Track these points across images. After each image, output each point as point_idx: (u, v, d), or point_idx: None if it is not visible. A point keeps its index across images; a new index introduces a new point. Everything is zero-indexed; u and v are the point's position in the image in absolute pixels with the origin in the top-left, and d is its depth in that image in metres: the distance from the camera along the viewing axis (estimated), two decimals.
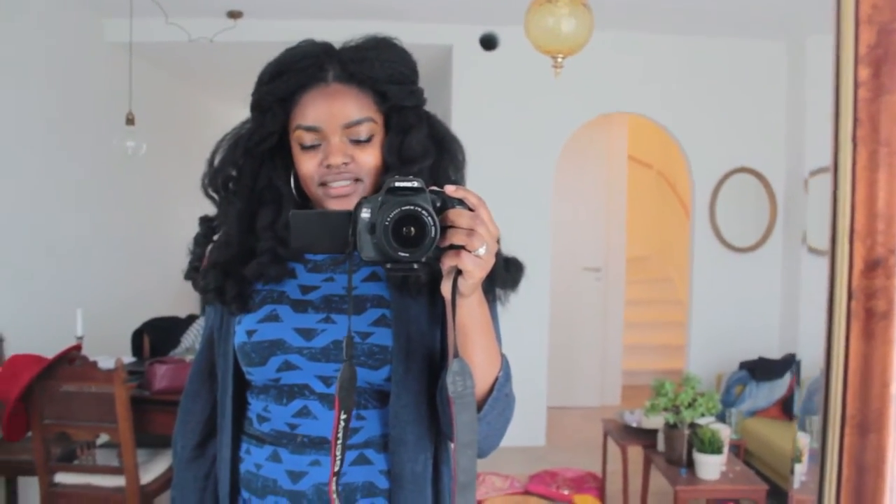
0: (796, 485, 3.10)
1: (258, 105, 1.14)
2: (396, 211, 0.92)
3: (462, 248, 0.92)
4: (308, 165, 1.11)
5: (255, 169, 1.16)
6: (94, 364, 2.89)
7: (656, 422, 3.59)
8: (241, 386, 1.19)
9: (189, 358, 3.44)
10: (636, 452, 4.03)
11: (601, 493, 4.13)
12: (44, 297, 3.97)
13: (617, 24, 4.72)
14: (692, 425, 3.22)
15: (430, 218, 0.92)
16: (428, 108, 1.19)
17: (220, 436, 1.20)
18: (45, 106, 4.03)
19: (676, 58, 5.05)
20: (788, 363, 4.54)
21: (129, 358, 3.70)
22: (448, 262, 0.94)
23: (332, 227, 1.01)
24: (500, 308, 1.17)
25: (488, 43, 4.90)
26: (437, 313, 1.13)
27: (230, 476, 1.18)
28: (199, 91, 6.36)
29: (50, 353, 2.94)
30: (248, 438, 1.17)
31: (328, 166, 1.09)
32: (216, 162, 1.18)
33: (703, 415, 3.19)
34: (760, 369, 4.56)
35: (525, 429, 4.91)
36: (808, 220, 4.77)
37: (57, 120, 4.14)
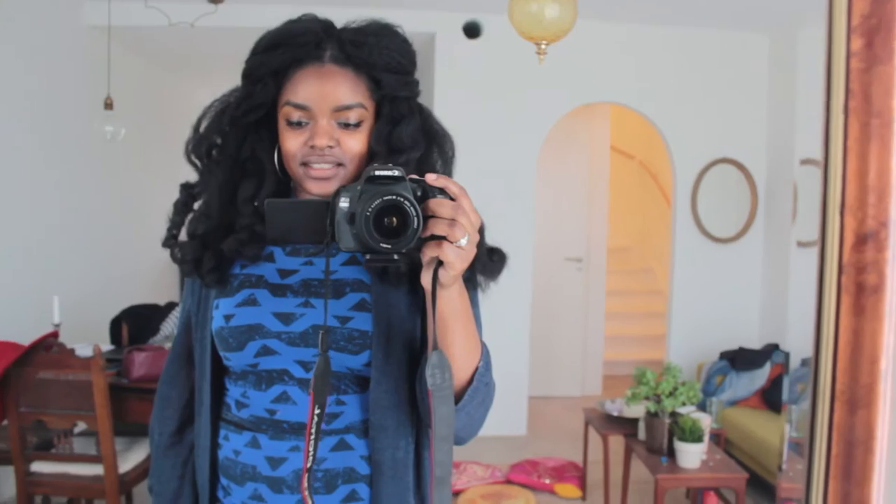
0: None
1: (249, 74, 1.12)
2: (378, 201, 0.90)
3: (443, 238, 0.91)
4: (292, 143, 1.09)
5: (240, 139, 1.14)
6: (72, 351, 2.86)
7: (637, 411, 3.61)
8: (219, 372, 1.18)
9: (168, 345, 3.41)
10: (617, 441, 4.05)
11: (582, 481, 4.15)
12: (19, 283, 3.91)
13: (600, 13, 4.72)
14: (673, 414, 3.24)
15: (412, 208, 0.90)
16: None
17: (198, 422, 1.18)
18: (21, 89, 3.96)
19: (659, 48, 5.06)
20: (768, 353, 4.58)
21: (107, 346, 3.66)
22: (429, 253, 0.93)
23: (308, 217, 0.99)
24: (480, 295, 1.16)
25: (471, 31, 4.88)
26: (418, 301, 1.12)
27: (209, 463, 1.17)
28: (179, 76, 6.29)
29: (26, 340, 2.91)
30: (226, 425, 1.16)
31: (312, 147, 1.08)
32: (202, 128, 1.15)
33: (683, 404, 3.20)
34: (741, 359, 4.59)
35: (506, 418, 4.93)
36: (798, 211, 4.79)
37: (34, 103, 4.08)
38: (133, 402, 3.06)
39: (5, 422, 2.90)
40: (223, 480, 1.16)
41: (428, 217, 0.92)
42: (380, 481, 1.10)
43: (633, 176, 7.81)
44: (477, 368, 1.04)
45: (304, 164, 1.10)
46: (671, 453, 3.20)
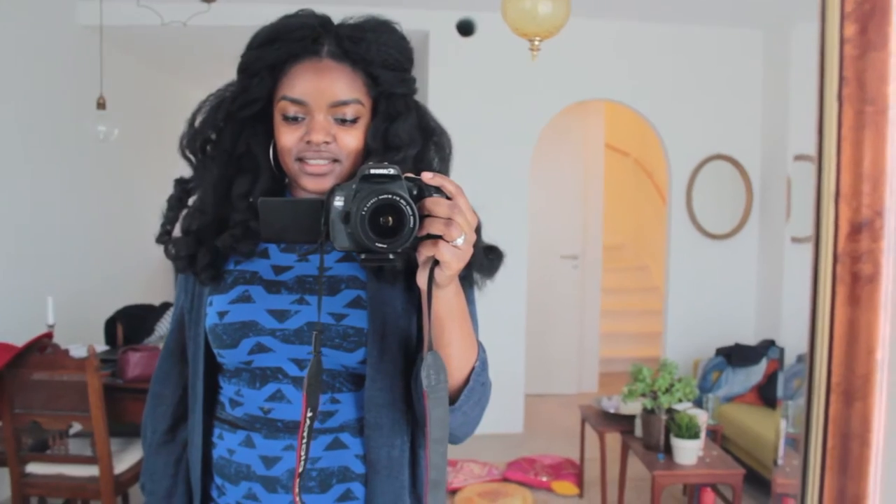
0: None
1: (245, 69, 1.11)
2: (373, 200, 0.89)
3: (439, 237, 0.90)
4: (288, 138, 1.08)
5: (236, 134, 1.13)
6: (66, 352, 2.84)
7: (634, 408, 3.61)
8: (213, 369, 1.17)
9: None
10: (614, 439, 4.05)
11: (579, 479, 4.15)
12: (13, 284, 3.90)
13: (593, 10, 4.72)
14: (669, 411, 3.24)
15: (408, 207, 0.89)
16: None
17: (192, 421, 1.17)
18: (13, 88, 3.94)
19: (653, 45, 5.06)
20: (765, 349, 4.58)
21: (101, 346, 3.65)
22: (425, 252, 0.92)
23: (302, 216, 0.98)
24: (476, 293, 1.15)
25: (465, 29, 4.87)
26: (414, 298, 1.11)
27: (201, 461, 1.16)
28: (172, 76, 6.27)
29: (20, 341, 2.89)
30: (220, 423, 1.15)
31: (308, 142, 1.07)
32: (196, 123, 1.14)
33: (680, 400, 3.20)
34: (737, 355, 4.60)
35: (503, 416, 4.92)
36: (791, 207, 4.80)
37: (27, 103, 4.06)
38: (128, 403, 3.05)
39: (0, 423, 2.89)
40: (217, 480, 1.15)
41: (424, 216, 0.91)
42: (375, 480, 1.09)
43: (627, 173, 7.81)
44: (473, 368, 1.04)
45: (300, 160, 1.09)
46: (668, 450, 3.20)
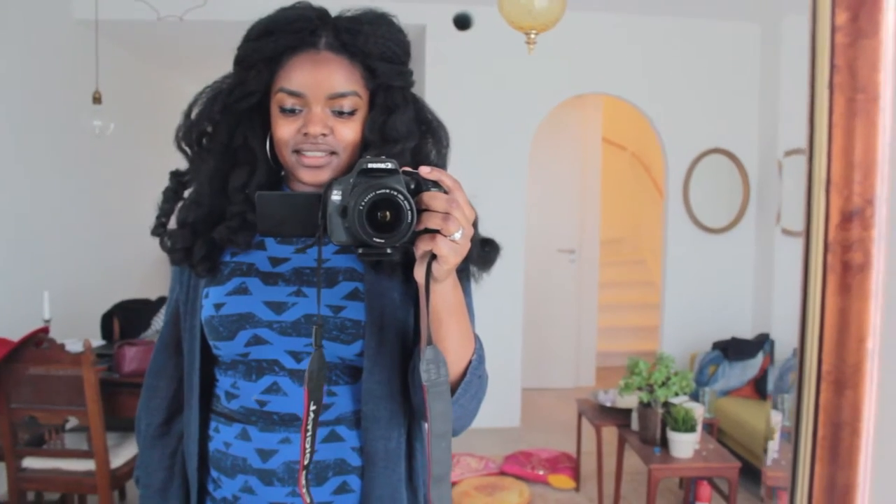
0: (768, 462, 3.14)
1: (242, 61, 1.10)
2: (371, 194, 0.89)
3: (437, 232, 0.90)
4: (285, 130, 1.08)
5: (232, 127, 1.13)
6: (62, 347, 2.84)
7: (630, 401, 3.61)
8: (209, 362, 1.17)
9: None
10: (610, 433, 4.05)
11: (576, 472, 4.16)
12: (9, 279, 3.89)
13: (590, 3, 4.71)
14: (666, 404, 3.24)
15: (406, 202, 0.89)
16: None
17: (188, 413, 1.17)
18: (10, 83, 3.93)
19: (650, 39, 5.05)
20: (761, 343, 4.59)
21: (98, 341, 3.65)
22: (422, 247, 0.92)
23: (300, 210, 0.98)
24: (472, 286, 1.15)
25: (462, 22, 4.87)
26: (411, 291, 1.11)
27: (197, 454, 1.16)
28: (168, 70, 6.25)
29: (16, 336, 2.89)
30: (216, 416, 1.15)
31: (306, 134, 1.06)
32: (193, 115, 1.14)
33: (676, 394, 3.20)
34: (733, 349, 4.61)
35: (500, 410, 4.93)
36: (782, 201, 4.80)
37: (22, 98, 4.05)
38: (124, 397, 3.05)
39: None
40: (213, 473, 1.14)
41: (421, 210, 0.90)
42: (372, 473, 1.09)
43: (625, 167, 7.81)
44: (471, 361, 1.04)
45: (297, 152, 1.08)
46: (664, 443, 3.20)
